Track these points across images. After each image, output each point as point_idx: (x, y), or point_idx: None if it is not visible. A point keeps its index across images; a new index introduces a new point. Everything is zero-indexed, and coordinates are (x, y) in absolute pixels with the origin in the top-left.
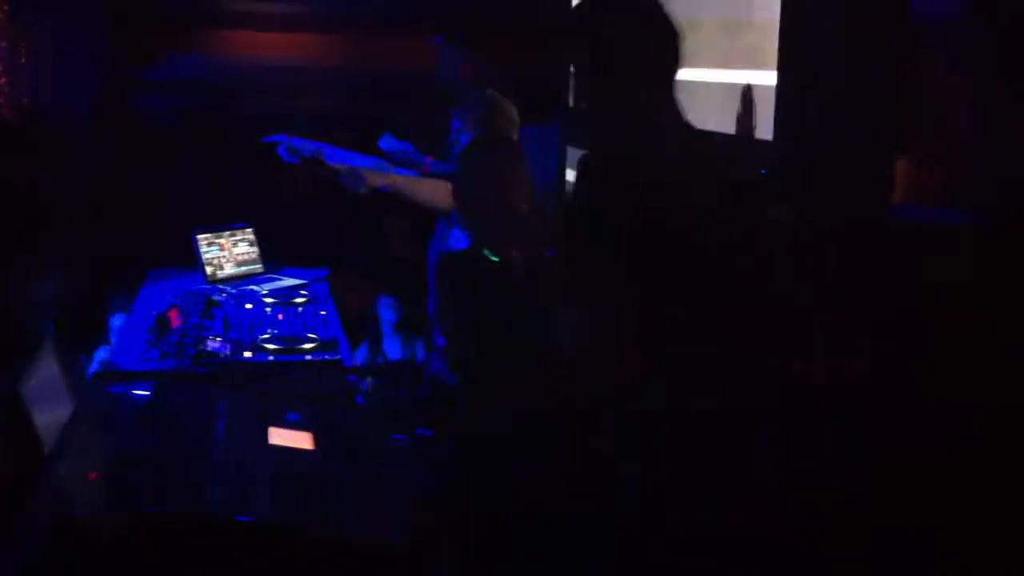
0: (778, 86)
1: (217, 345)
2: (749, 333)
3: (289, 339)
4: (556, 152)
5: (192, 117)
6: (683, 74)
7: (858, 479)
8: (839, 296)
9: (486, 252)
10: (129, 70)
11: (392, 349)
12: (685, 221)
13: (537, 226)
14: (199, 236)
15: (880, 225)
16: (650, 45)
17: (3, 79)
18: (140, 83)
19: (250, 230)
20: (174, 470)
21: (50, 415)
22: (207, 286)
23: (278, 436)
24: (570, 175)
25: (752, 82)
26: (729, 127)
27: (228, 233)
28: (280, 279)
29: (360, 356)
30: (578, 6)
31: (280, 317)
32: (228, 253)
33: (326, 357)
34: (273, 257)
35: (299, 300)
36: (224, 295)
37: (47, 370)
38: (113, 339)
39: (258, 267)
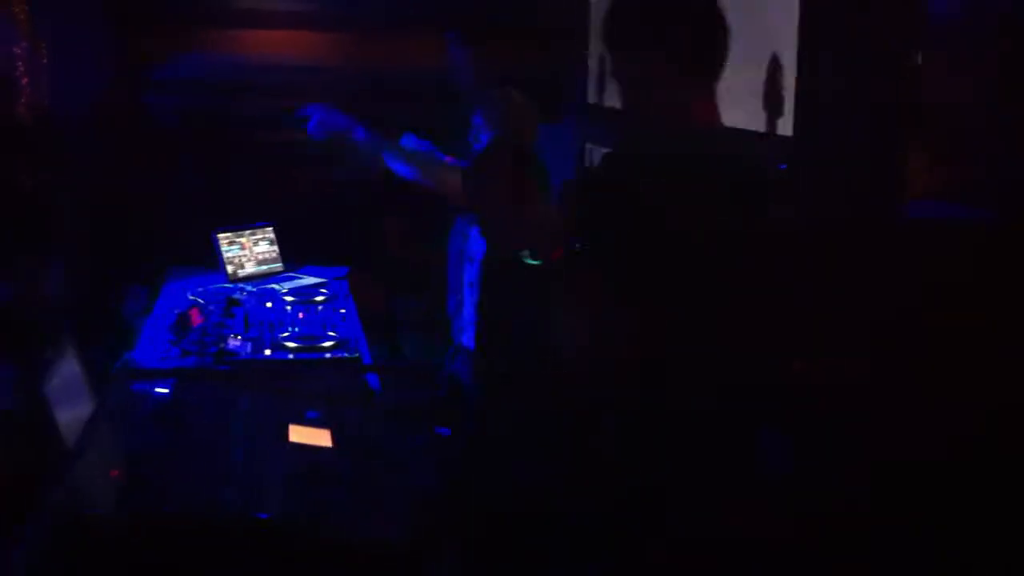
0: (798, 83)
1: (238, 343)
2: (749, 333)
3: (309, 337)
4: (573, 149)
5: (204, 117)
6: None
7: (858, 479)
8: (839, 295)
9: (527, 258)
10: (133, 69)
11: (410, 348)
12: (691, 219)
13: (555, 226)
14: (219, 235)
15: (881, 223)
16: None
17: (25, 79)
18: (145, 82)
19: (270, 229)
20: (195, 467)
21: (71, 413)
22: (228, 285)
23: (298, 434)
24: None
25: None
26: (749, 123)
27: (249, 232)
28: (300, 278)
29: (379, 354)
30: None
31: (300, 315)
32: (249, 252)
33: (345, 355)
34: (293, 256)
35: (319, 298)
36: (245, 294)
37: (68, 368)
38: (134, 337)
39: (278, 266)
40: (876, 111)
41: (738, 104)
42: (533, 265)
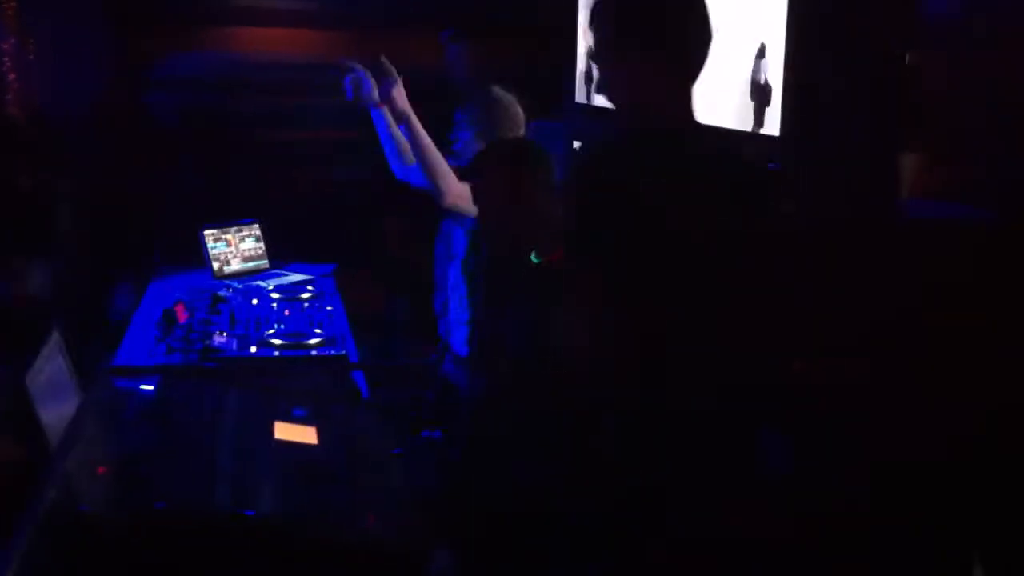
0: (784, 82)
1: (223, 340)
2: (749, 333)
3: (295, 335)
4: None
5: (202, 115)
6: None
7: (858, 479)
8: (839, 295)
9: (532, 257)
10: (132, 69)
11: (404, 347)
12: (685, 218)
13: (557, 224)
14: (206, 232)
15: (881, 223)
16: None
17: (12, 75)
18: (145, 81)
19: (256, 226)
20: (180, 464)
21: (56, 410)
22: (214, 282)
23: (283, 431)
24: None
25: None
26: (738, 122)
27: (235, 229)
28: (286, 275)
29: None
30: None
31: (286, 313)
32: (235, 249)
33: (332, 352)
34: (279, 253)
35: (305, 296)
36: (230, 291)
37: (53, 365)
38: (120, 334)
39: (264, 263)
40: (875, 111)
41: (725, 103)
42: (534, 265)
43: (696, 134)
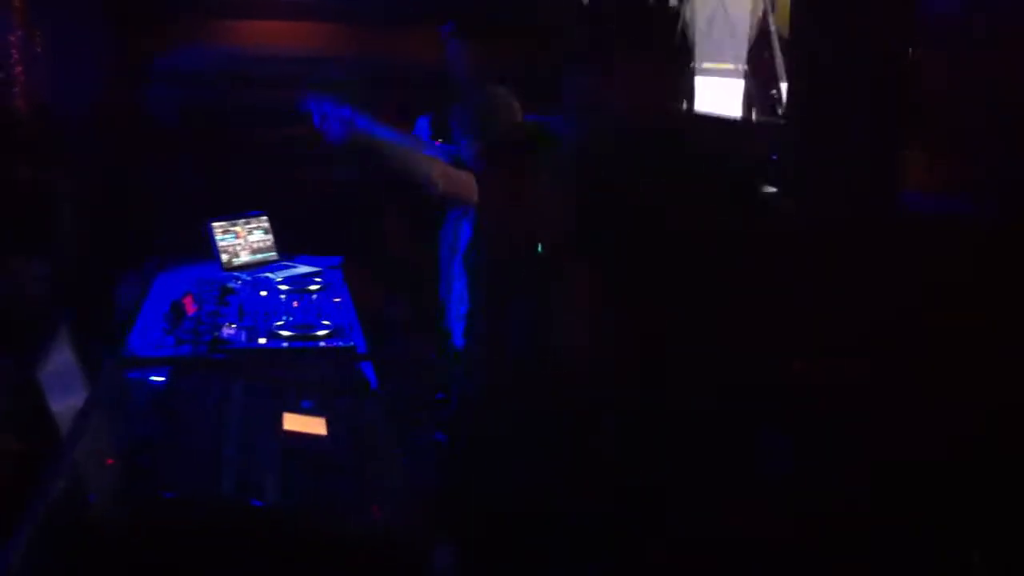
0: (788, 74)
1: (232, 332)
2: (749, 333)
3: (303, 326)
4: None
5: (203, 109)
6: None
7: (858, 479)
8: (839, 295)
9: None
10: (133, 63)
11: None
12: (685, 218)
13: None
14: (214, 224)
15: (881, 221)
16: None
17: (19, 68)
18: (146, 76)
19: (265, 218)
20: (188, 456)
21: (65, 402)
22: (222, 274)
23: (292, 422)
24: None
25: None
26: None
27: (243, 221)
28: (295, 266)
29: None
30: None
31: (295, 304)
32: (243, 241)
33: (340, 344)
34: (288, 245)
35: (313, 287)
36: (239, 282)
37: (62, 357)
38: (128, 327)
39: (273, 255)
40: (875, 108)
41: (729, 95)
42: (539, 256)
43: (695, 131)
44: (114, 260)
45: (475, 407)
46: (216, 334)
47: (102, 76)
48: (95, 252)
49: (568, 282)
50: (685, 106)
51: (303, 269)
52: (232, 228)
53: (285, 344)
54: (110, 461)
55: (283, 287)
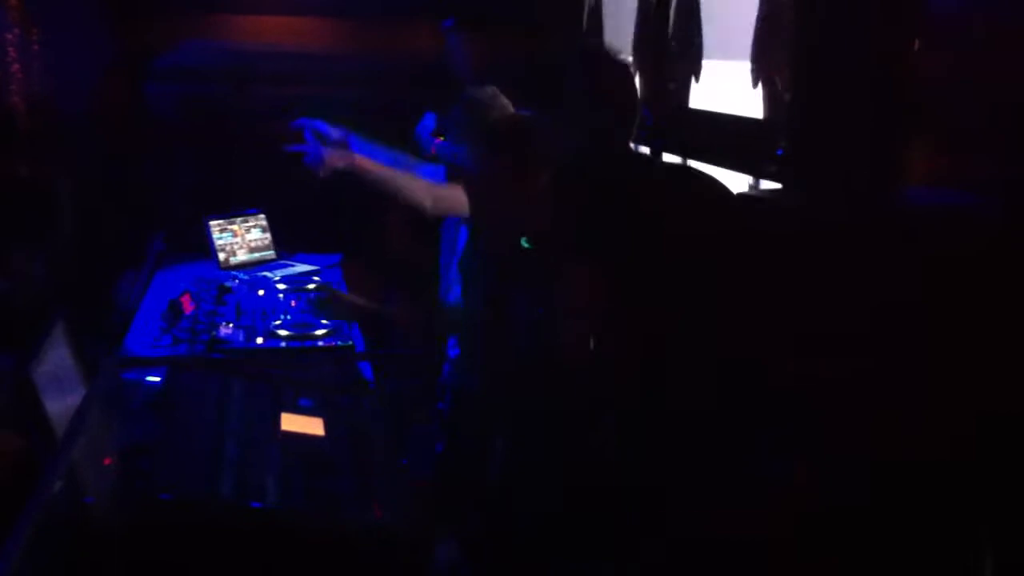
0: (791, 71)
1: (230, 331)
2: (748, 333)
3: (301, 325)
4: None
5: (202, 104)
6: None
7: (858, 479)
8: (839, 294)
9: (524, 243)
10: (134, 58)
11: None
12: (685, 218)
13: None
14: (211, 222)
15: (882, 220)
16: None
17: (15, 66)
18: (146, 72)
19: (263, 216)
20: (186, 456)
21: (62, 401)
22: (220, 272)
23: (290, 422)
24: None
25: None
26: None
27: (241, 219)
28: (293, 265)
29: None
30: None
31: (293, 303)
32: (241, 239)
33: (338, 343)
34: (286, 243)
35: (311, 286)
36: (237, 281)
37: (58, 357)
38: (125, 325)
39: (271, 253)
40: (877, 104)
41: (737, 90)
42: (527, 251)
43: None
44: (112, 258)
45: (475, 407)
46: (214, 333)
47: (100, 72)
48: (93, 250)
49: (568, 282)
50: (688, 101)
51: (301, 268)
52: (229, 226)
53: (283, 343)
54: (107, 461)
55: (281, 286)
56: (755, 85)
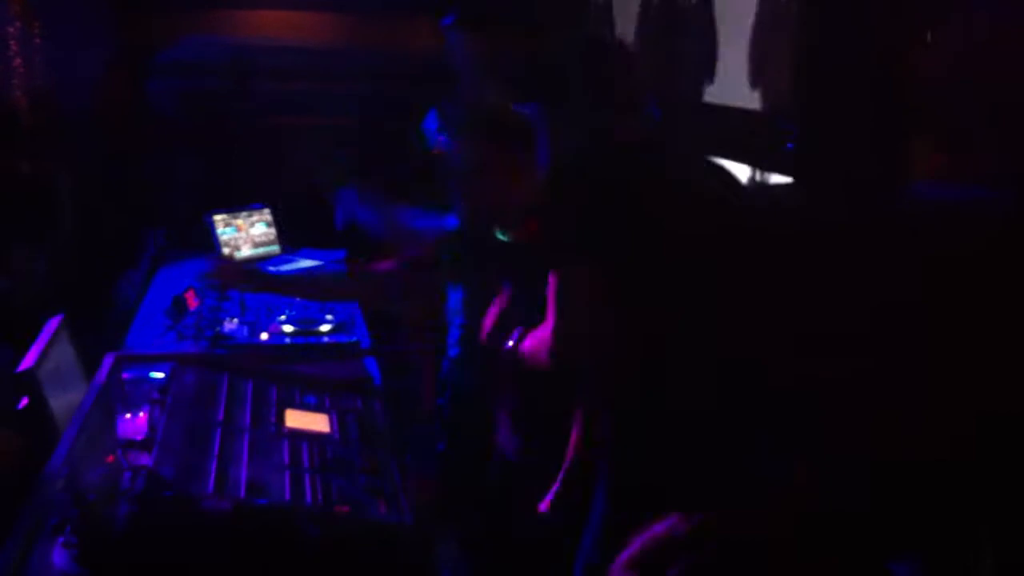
0: (796, 65)
1: (234, 327)
2: (748, 332)
3: (306, 321)
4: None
5: (204, 100)
6: None
7: (858, 479)
8: (840, 293)
9: (499, 234)
10: (136, 53)
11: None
12: (684, 218)
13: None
14: (215, 217)
15: (882, 219)
16: None
17: (17, 61)
18: (148, 67)
19: (267, 211)
20: (189, 453)
21: (65, 398)
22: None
23: (295, 419)
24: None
25: None
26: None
27: (245, 214)
28: (297, 260)
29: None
30: None
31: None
32: (245, 234)
33: (343, 339)
34: (290, 238)
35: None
36: None
37: (61, 353)
38: (129, 322)
39: (275, 248)
40: (878, 103)
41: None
42: (503, 242)
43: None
44: (115, 254)
45: (475, 407)
46: (218, 329)
47: (102, 68)
48: (95, 246)
49: (568, 282)
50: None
51: (305, 263)
52: (233, 221)
53: (288, 339)
54: (110, 459)
55: None
56: (758, 79)
